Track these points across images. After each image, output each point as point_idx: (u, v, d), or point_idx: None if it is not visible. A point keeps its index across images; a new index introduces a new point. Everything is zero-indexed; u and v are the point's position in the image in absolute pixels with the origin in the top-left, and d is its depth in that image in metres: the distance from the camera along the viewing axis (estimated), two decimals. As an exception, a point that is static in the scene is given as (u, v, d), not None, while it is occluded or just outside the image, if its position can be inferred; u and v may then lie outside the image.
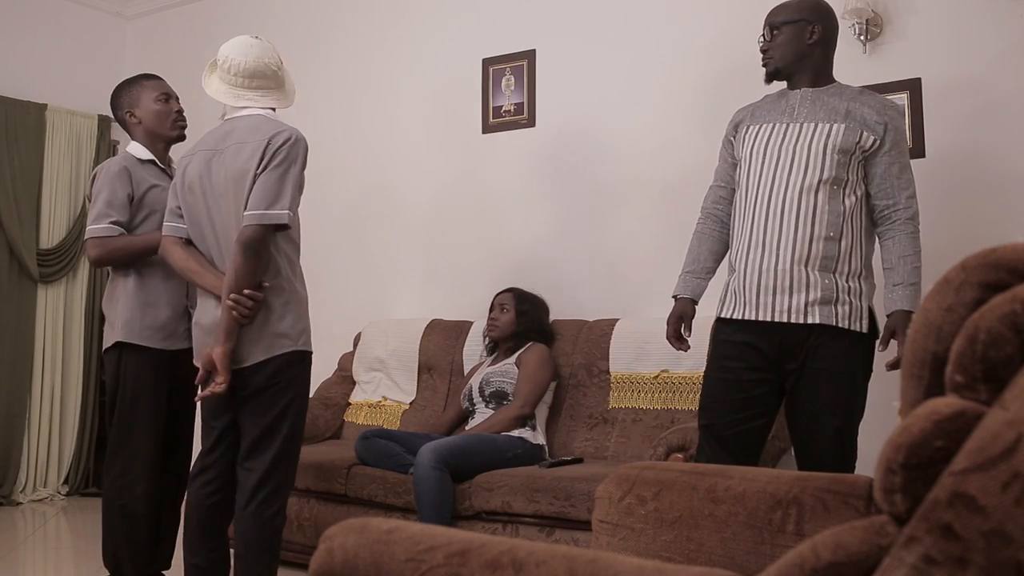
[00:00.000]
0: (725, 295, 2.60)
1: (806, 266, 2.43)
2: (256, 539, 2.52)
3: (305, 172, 2.61)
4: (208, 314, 2.58)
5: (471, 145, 4.34)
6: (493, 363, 3.67)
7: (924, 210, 2.57)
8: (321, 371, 3.99)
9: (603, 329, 3.67)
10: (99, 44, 5.56)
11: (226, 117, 2.68)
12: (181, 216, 2.65)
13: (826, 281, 2.43)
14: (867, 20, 3.35)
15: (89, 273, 5.33)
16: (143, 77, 3.13)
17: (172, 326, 2.94)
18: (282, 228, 2.49)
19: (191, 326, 2.75)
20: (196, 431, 3.00)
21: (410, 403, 4.06)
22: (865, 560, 0.78)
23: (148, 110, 3.04)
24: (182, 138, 3.11)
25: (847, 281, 2.45)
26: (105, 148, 5.39)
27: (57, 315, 5.21)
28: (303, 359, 2.61)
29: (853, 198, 2.47)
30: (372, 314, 4.46)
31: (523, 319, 3.68)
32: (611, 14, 4.01)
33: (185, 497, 2.82)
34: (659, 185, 3.84)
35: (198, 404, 2.68)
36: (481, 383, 3.58)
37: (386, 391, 4.14)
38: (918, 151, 3.23)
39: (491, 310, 3.75)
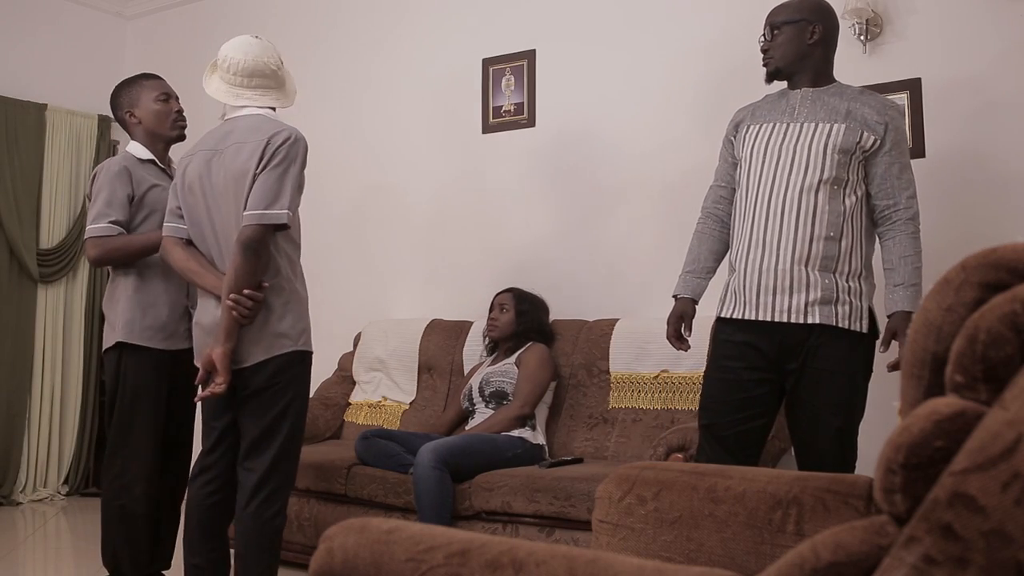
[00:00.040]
0: (725, 295, 2.60)
1: (806, 266, 2.43)
2: (256, 539, 2.52)
3: (305, 172, 2.61)
4: (208, 314, 2.58)
5: (471, 145, 4.34)
6: (493, 363, 3.67)
7: (924, 210, 2.57)
8: (321, 371, 3.99)
9: (603, 329, 3.67)
10: (99, 44, 5.56)
11: (226, 117, 2.68)
12: (181, 216, 2.64)
13: (826, 281, 2.43)
14: (867, 20, 3.35)
15: (89, 273, 5.33)
16: (143, 77, 3.13)
17: (173, 326, 2.94)
18: (282, 228, 2.49)
19: (191, 326, 2.75)
20: (196, 431, 3.00)
21: (410, 403, 4.06)
22: (865, 560, 0.78)
23: (148, 110, 3.04)
24: (182, 138, 3.11)
25: (847, 281, 2.45)
26: (105, 148, 5.39)
27: (57, 315, 5.21)
28: (303, 359, 2.61)
29: (853, 198, 2.47)
30: (372, 314, 4.46)
31: (523, 319, 3.68)
32: (611, 14, 4.01)
33: (185, 497, 2.82)
34: (659, 185, 3.84)
35: (198, 404, 2.69)
36: (481, 383, 3.58)
37: (386, 391, 4.14)
38: (918, 151, 3.23)
39: (491, 310, 3.75)
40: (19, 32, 5.19)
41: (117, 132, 5.19)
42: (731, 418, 2.50)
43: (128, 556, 2.87)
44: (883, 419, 2.36)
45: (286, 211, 2.46)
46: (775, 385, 2.51)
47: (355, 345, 4.34)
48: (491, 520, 3.08)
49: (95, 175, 3.00)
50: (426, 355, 4.08)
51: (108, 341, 2.96)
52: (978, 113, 3.23)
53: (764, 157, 2.53)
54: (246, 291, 2.43)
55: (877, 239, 2.57)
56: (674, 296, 2.73)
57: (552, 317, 3.82)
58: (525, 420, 3.43)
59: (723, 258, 2.73)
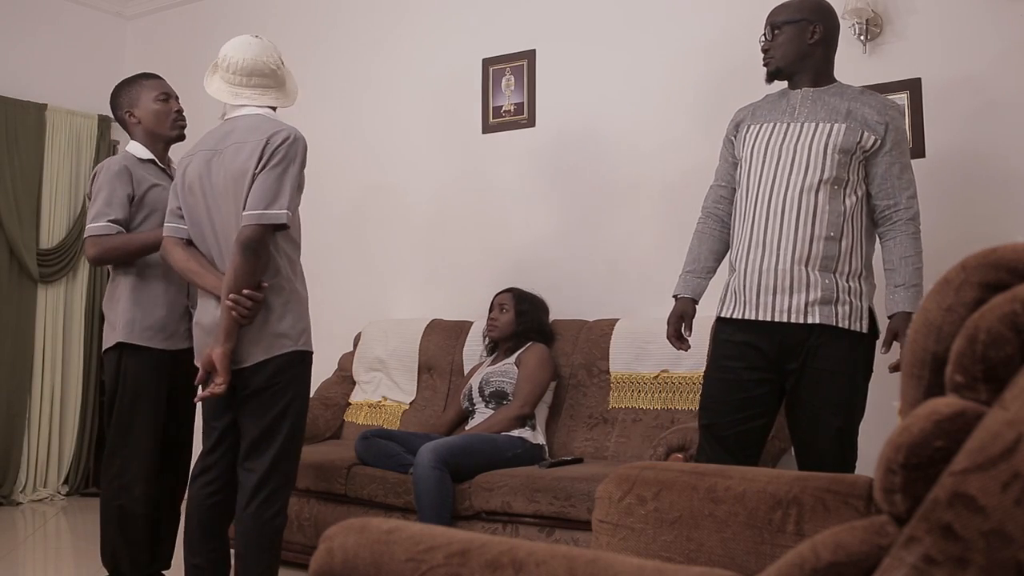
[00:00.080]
0: (725, 295, 2.60)
1: (806, 266, 2.43)
2: (256, 539, 2.52)
3: (305, 172, 2.61)
4: (208, 314, 2.57)
5: (471, 145, 4.34)
6: (493, 363, 3.67)
7: (924, 210, 2.57)
8: (321, 371, 3.99)
9: (603, 329, 3.67)
10: (99, 44, 5.56)
11: (226, 117, 2.68)
12: (182, 216, 2.64)
13: (826, 281, 2.43)
14: (867, 20, 3.36)
15: (89, 273, 5.33)
16: (142, 76, 3.12)
17: (173, 326, 2.94)
18: (281, 228, 2.49)
19: (192, 326, 2.75)
20: (197, 431, 3.00)
21: (410, 403, 4.06)
22: (865, 560, 0.78)
23: (147, 110, 3.04)
24: (181, 138, 3.11)
25: (847, 281, 2.45)
26: (105, 148, 5.39)
27: (57, 315, 5.21)
28: (303, 359, 2.61)
29: (854, 198, 2.47)
30: (372, 314, 4.46)
31: (522, 319, 3.68)
32: (611, 14, 4.01)
33: (186, 497, 2.82)
34: (659, 185, 3.84)
35: (198, 404, 2.69)
36: (481, 383, 3.58)
37: (386, 391, 4.14)
38: (918, 151, 3.23)
39: (491, 310, 3.76)
40: (19, 32, 5.19)
41: (117, 132, 5.19)
42: (731, 418, 2.50)
43: (128, 556, 2.87)
44: (883, 419, 2.36)
45: (285, 211, 2.46)
46: (775, 385, 2.50)
47: (355, 345, 4.34)
48: (491, 520, 3.08)
49: (95, 174, 3.00)
50: (426, 355, 4.08)
51: (108, 341, 2.96)
52: (978, 113, 3.23)
53: (764, 157, 2.53)
54: (245, 291, 2.43)
55: (877, 239, 2.57)
56: (674, 296, 2.73)
57: (552, 317, 3.82)
58: (525, 420, 3.43)
59: (723, 258, 2.73)
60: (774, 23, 2.59)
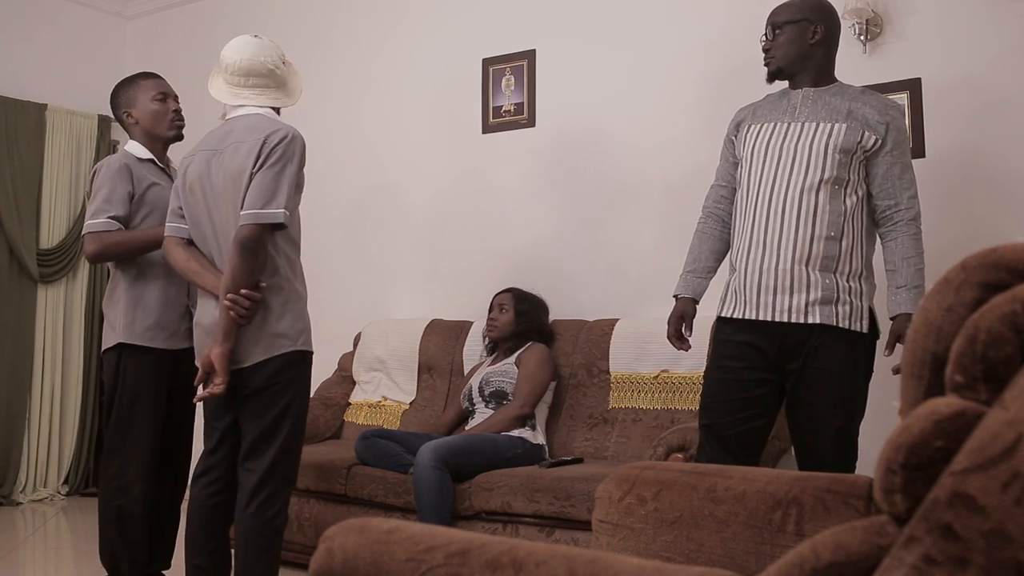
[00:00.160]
0: (726, 294, 2.60)
1: (807, 266, 2.43)
2: (256, 540, 2.52)
3: (305, 172, 2.61)
4: (208, 314, 2.57)
5: (471, 145, 4.34)
6: (493, 363, 3.67)
7: (924, 210, 2.57)
8: (321, 371, 3.99)
9: (603, 329, 3.67)
10: (99, 44, 5.56)
11: (227, 117, 2.68)
12: (183, 216, 2.64)
13: (827, 281, 2.43)
14: (867, 20, 3.36)
15: (89, 273, 5.33)
16: (141, 76, 3.12)
17: (174, 326, 2.94)
18: (279, 227, 2.48)
19: (192, 326, 2.75)
20: (197, 431, 3.00)
21: (410, 403, 4.06)
22: (865, 560, 0.78)
23: (145, 110, 3.04)
24: (179, 138, 3.10)
25: (848, 281, 2.45)
26: (105, 148, 5.39)
27: (57, 315, 5.21)
28: (303, 359, 2.61)
29: (854, 198, 2.47)
30: (372, 314, 4.46)
31: (522, 319, 3.68)
32: (611, 14, 4.01)
33: (187, 497, 2.82)
34: (659, 185, 3.84)
35: (198, 405, 2.68)
36: (481, 383, 3.58)
37: (386, 391, 4.14)
38: (918, 151, 3.23)
39: (490, 310, 3.76)
40: (19, 32, 5.19)
41: (117, 132, 5.19)
42: (732, 418, 2.50)
43: (127, 556, 2.86)
44: (883, 419, 2.35)
45: (282, 210, 2.45)
46: (775, 385, 2.50)
47: (355, 345, 4.34)
48: (491, 520, 3.08)
49: (95, 172, 2.99)
50: (426, 355, 4.08)
51: (108, 341, 2.96)
52: (978, 113, 3.23)
53: (765, 157, 2.53)
54: (243, 291, 2.43)
55: (878, 239, 2.57)
56: (675, 296, 2.73)
57: (552, 317, 3.82)
58: (525, 420, 3.43)
59: (724, 258, 2.73)
60: (775, 23, 2.59)
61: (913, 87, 3.31)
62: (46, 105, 5.19)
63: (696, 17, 3.80)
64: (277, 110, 2.70)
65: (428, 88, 4.49)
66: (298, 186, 2.57)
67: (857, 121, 2.47)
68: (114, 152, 5.23)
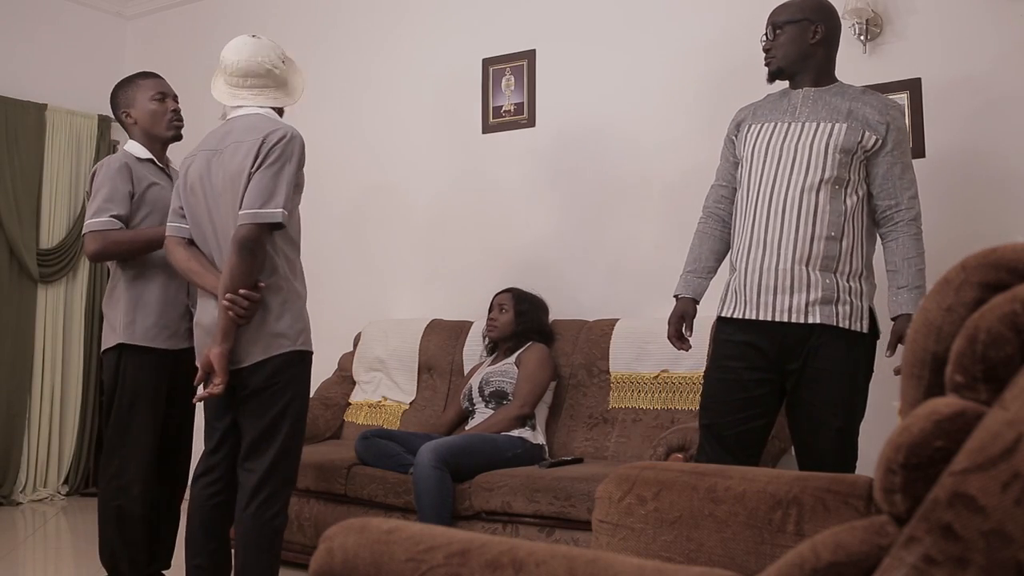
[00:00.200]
0: (726, 294, 2.60)
1: (807, 266, 2.43)
2: (256, 540, 2.51)
3: (305, 172, 2.61)
4: (208, 314, 2.57)
5: (471, 145, 4.34)
6: (493, 363, 3.67)
7: (924, 210, 2.57)
8: (321, 371, 3.99)
9: (603, 329, 3.67)
10: (99, 44, 5.56)
11: (227, 117, 2.69)
12: (184, 216, 2.65)
13: (827, 281, 2.43)
14: (867, 20, 3.36)
15: (89, 273, 5.33)
16: (140, 76, 3.12)
17: (174, 326, 2.94)
18: (277, 227, 2.48)
19: (193, 326, 2.75)
20: (197, 431, 3.00)
21: (410, 403, 4.06)
22: (865, 560, 0.78)
23: (143, 110, 3.03)
24: (178, 138, 3.09)
25: (848, 281, 2.44)
26: (105, 148, 5.39)
27: (57, 315, 5.21)
28: (302, 359, 2.60)
29: (854, 198, 2.47)
30: (372, 314, 4.46)
31: (522, 319, 3.68)
32: (611, 14, 4.01)
33: (187, 497, 2.82)
34: (659, 185, 3.84)
35: (198, 405, 2.68)
36: (481, 383, 3.58)
37: (386, 391, 4.14)
38: (918, 151, 3.23)
39: (490, 310, 3.76)
40: (19, 32, 5.19)
41: (117, 132, 5.19)
42: (732, 418, 2.50)
43: (126, 556, 2.86)
44: (883, 419, 2.35)
45: (280, 210, 2.45)
46: (776, 385, 2.50)
47: (355, 345, 4.34)
48: (491, 520, 3.08)
49: (95, 172, 2.99)
50: (426, 355, 4.08)
51: (108, 341, 2.95)
52: (978, 113, 3.23)
53: (765, 157, 2.53)
54: (242, 291, 2.43)
55: (878, 239, 2.57)
56: (675, 296, 2.72)
57: (552, 317, 3.82)
58: (525, 420, 3.43)
59: (724, 258, 2.72)
60: (775, 23, 2.59)
61: (913, 87, 3.31)
62: (46, 105, 5.19)
63: (696, 17, 3.80)
64: (280, 110, 2.70)
65: (428, 88, 4.49)
66: (298, 186, 2.57)
67: (857, 121, 2.47)
68: (114, 152, 5.25)
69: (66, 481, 5.22)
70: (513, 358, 3.59)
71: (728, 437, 2.50)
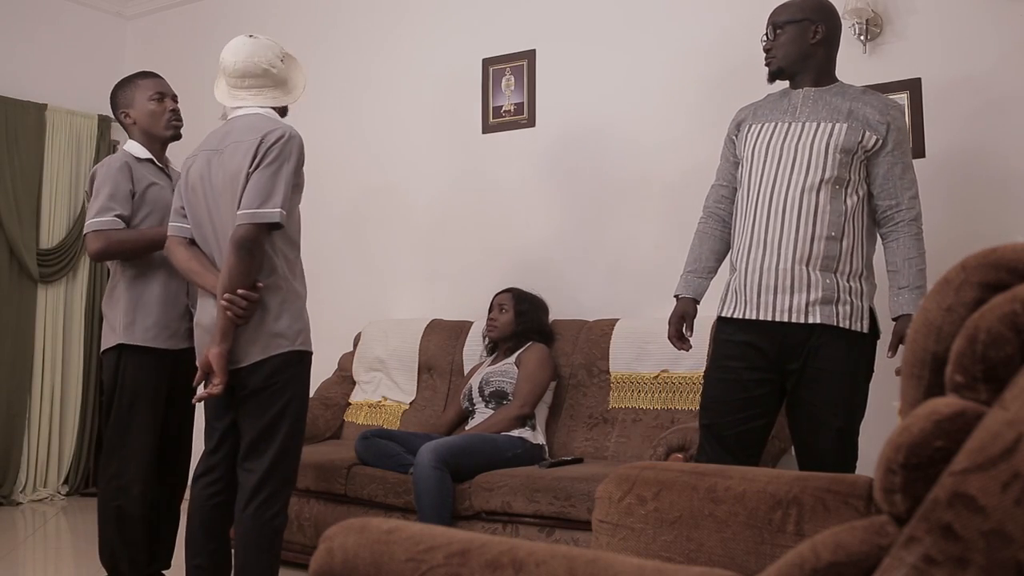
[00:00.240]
0: (726, 294, 2.60)
1: (807, 266, 2.43)
2: (256, 540, 2.51)
3: (305, 172, 2.60)
4: (208, 314, 2.57)
5: (471, 145, 4.34)
6: (493, 363, 3.67)
7: (924, 210, 2.57)
8: (321, 371, 3.99)
9: (603, 329, 3.67)
10: (99, 44, 5.56)
11: (229, 117, 2.69)
12: (185, 216, 2.65)
13: (827, 281, 2.43)
14: (867, 20, 3.36)
15: (89, 273, 5.33)
16: (139, 76, 3.11)
17: (174, 326, 2.94)
18: (275, 227, 2.48)
19: (193, 326, 2.75)
20: (197, 432, 3.00)
21: (410, 403, 4.06)
22: (865, 560, 0.78)
23: (142, 110, 3.03)
24: (177, 137, 3.09)
25: (848, 281, 2.44)
26: (105, 148, 5.39)
27: (57, 315, 5.21)
28: (301, 359, 2.60)
29: (855, 198, 2.47)
30: (372, 314, 4.46)
31: (522, 319, 3.68)
32: (611, 14, 4.01)
33: (188, 497, 2.82)
34: (659, 185, 3.84)
35: (198, 405, 2.68)
36: (481, 383, 3.58)
37: (386, 391, 4.14)
38: (918, 151, 3.23)
39: (490, 310, 3.76)
40: (19, 32, 5.19)
41: (117, 132, 5.19)
42: (732, 418, 2.50)
43: (126, 556, 2.86)
44: (883, 419, 2.36)
45: (278, 210, 2.45)
46: (776, 385, 2.50)
47: (355, 345, 4.34)
48: (491, 520, 3.08)
49: (95, 172, 2.99)
50: (426, 355, 4.08)
51: (108, 342, 2.95)
52: (978, 113, 3.23)
53: (766, 156, 2.53)
54: (240, 291, 2.43)
55: (878, 239, 2.57)
56: (676, 296, 2.72)
57: (552, 317, 3.82)
58: (525, 420, 3.43)
59: (725, 258, 2.72)
60: (776, 23, 2.59)
61: (913, 87, 3.31)
62: (46, 105, 5.18)
63: (696, 17, 3.80)
64: (283, 109, 2.70)
65: (428, 88, 4.49)
66: (297, 186, 2.57)
67: (858, 121, 2.47)
68: (114, 152, 5.25)
69: (66, 481, 5.22)
70: (513, 358, 3.59)
71: (728, 437, 2.50)
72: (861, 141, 2.46)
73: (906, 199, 2.49)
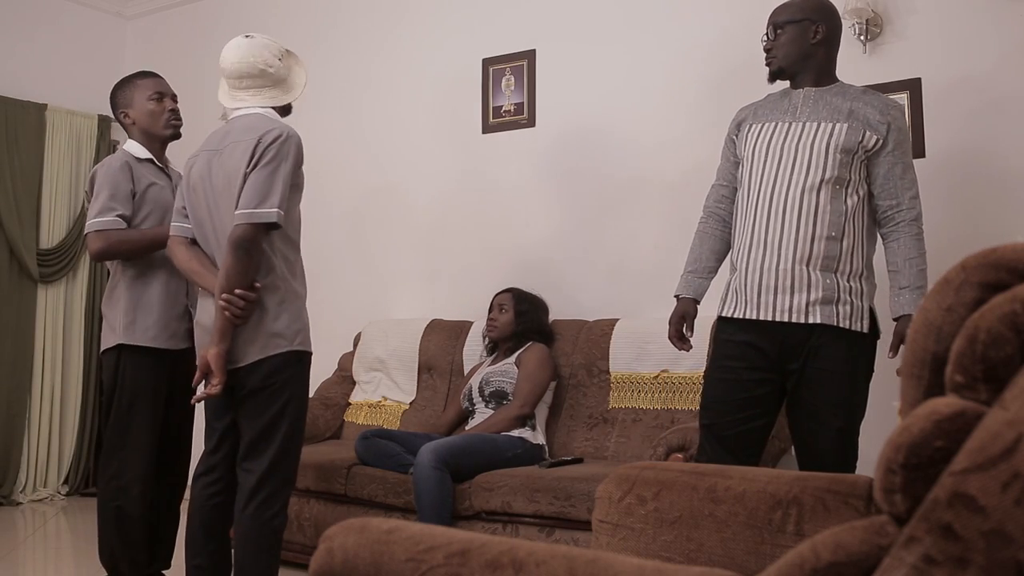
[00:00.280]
0: (726, 294, 2.60)
1: (807, 266, 2.43)
2: (256, 540, 2.51)
3: (305, 172, 2.60)
4: (208, 314, 2.57)
5: (471, 145, 4.34)
6: (493, 363, 3.67)
7: (925, 210, 2.57)
8: (321, 371, 3.99)
9: (603, 329, 3.67)
10: (99, 44, 5.56)
11: (228, 117, 2.69)
12: (187, 216, 2.65)
13: (827, 281, 2.43)
14: (867, 20, 3.36)
15: (89, 273, 5.33)
16: (138, 75, 3.12)
17: (174, 326, 2.94)
18: (273, 227, 2.47)
19: (193, 326, 2.75)
20: (197, 432, 3.00)
21: (410, 403, 4.06)
22: (865, 560, 0.78)
23: (141, 110, 3.03)
24: (176, 137, 3.09)
25: (848, 281, 2.44)
26: (105, 148, 5.39)
27: (57, 315, 5.21)
28: (300, 359, 2.60)
29: (855, 198, 2.47)
30: (372, 314, 4.46)
31: (522, 319, 3.68)
32: (611, 14, 4.01)
33: (188, 497, 2.82)
34: (659, 185, 3.84)
35: (198, 405, 2.68)
36: (481, 383, 3.58)
37: (386, 391, 4.14)
38: (918, 151, 3.23)
39: (490, 310, 3.76)
40: (19, 32, 5.19)
41: (117, 132, 5.19)
42: (732, 418, 2.50)
43: (126, 557, 2.86)
44: (883, 419, 2.35)
45: (276, 209, 2.44)
46: (776, 385, 2.50)
47: (355, 345, 4.34)
48: (491, 520, 3.08)
49: (95, 172, 2.99)
50: (426, 355, 4.08)
51: (107, 342, 2.95)
52: (978, 113, 3.23)
53: (766, 156, 2.53)
54: (237, 291, 2.42)
55: (879, 239, 2.57)
56: (676, 296, 2.72)
57: (552, 317, 3.82)
58: (525, 420, 3.43)
59: (725, 258, 2.72)
60: (776, 23, 2.59)
61: (913, 87, 3.31)
62: (46, 105, 5.19)
63: (696, 17, 3.80)
64: (286, 108, 2.69)
65: (428, 88, 4.49)
66: (296, 186, 2.56)
67: (858, 121, 2.47)
68: (114, 152, 5.25)
69: (66, 481, 5.22)
70: (513, 358, 3.59)
71: (728, 437, 2.50)
72: (861, 141, 2.45)
73: (907, 199, 2.49)
